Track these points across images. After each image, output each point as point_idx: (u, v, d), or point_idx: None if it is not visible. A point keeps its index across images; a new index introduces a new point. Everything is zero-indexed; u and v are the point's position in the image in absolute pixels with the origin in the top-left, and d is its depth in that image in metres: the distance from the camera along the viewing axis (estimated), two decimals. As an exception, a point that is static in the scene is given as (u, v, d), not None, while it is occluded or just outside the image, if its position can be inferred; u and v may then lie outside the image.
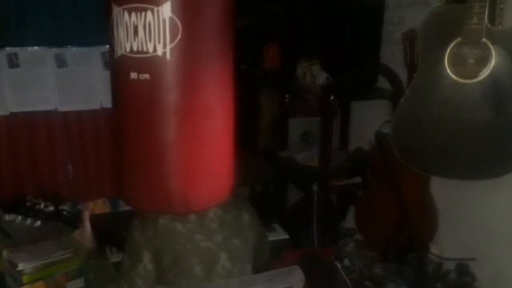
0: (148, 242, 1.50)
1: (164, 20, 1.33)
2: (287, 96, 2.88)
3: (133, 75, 1.38)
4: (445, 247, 2.29)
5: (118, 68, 1.45)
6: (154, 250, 1.50)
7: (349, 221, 2.72)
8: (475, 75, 1.74)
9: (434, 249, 2.29)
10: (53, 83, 2.49)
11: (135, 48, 1.37)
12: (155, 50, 1.35)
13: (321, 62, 2.69)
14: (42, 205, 1.71)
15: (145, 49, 1.35)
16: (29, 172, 2.50)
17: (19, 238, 2.16)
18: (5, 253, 2.11)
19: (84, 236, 1.68)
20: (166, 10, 1.32)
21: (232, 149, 1.57)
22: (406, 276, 2.09)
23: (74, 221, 1.75)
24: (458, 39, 1.73)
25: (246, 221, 1.64)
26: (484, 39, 1.69)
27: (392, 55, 2.53)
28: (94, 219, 1.99)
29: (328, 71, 2.66)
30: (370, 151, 2.57)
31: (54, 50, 2.48)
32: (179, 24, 1.34)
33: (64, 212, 1.75)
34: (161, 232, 1.50)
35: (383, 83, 2.57)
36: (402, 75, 2.34)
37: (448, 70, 1.78)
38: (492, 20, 1.81)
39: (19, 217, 1.70)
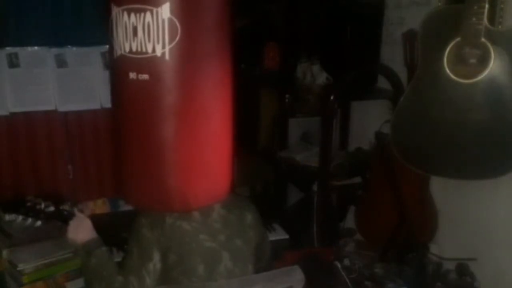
0: (158, 241, 1.51)
1: (163, 21, 1.34)
2: (287, 96, 2.89)
3: (132, 75, 1.39)
4: (445, 247, 2.29)
5: (117, 68, 1.46)
6: (162, 248, 1.51)
7: (349, 221, 2.72)
8: (475, 75, 1.74)
9: (434, 249, 2.29)
10: (53, 83, 2.49)
11: (134, 49, 1.37)
12: (154, 50, 1.36)
13: (321, 62, 2.69)
14: (43, 205, 1.71)
15: (144, 50, 1.36)
16: (29, 172, 2.49)
17: (19, 238, 2.16)
18: (5, 253, 2.11)
19: (80, 227, 1.61)
20: (165, 11, 1.33)
21: (230, 148, 1.58)
22: (406, 276, 2.08)
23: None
24: (458, 39, 1.73)
25: (249, 222, 1.66)
26: (483, 39, 1.69)
27: (392, 55, 2.52)
28: (94, 219, 1.99)
29: (328, 71, 2.66)
30: (370, 151, 2.57)
31: (54, 50, 2.47)
32: (178, 25, 1.35)
33: (65, 212, 1.75)
34: (168, 231, 1.52)
35: (383, 83, 2.56)
36: (402, 75, 2.34)
37: (448, 70, 1.78)
38: (492, 20, 1.81)
39: (20, 217, 1.70)
